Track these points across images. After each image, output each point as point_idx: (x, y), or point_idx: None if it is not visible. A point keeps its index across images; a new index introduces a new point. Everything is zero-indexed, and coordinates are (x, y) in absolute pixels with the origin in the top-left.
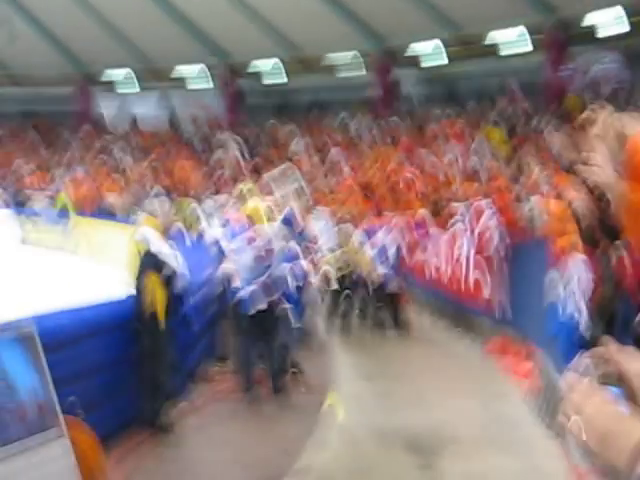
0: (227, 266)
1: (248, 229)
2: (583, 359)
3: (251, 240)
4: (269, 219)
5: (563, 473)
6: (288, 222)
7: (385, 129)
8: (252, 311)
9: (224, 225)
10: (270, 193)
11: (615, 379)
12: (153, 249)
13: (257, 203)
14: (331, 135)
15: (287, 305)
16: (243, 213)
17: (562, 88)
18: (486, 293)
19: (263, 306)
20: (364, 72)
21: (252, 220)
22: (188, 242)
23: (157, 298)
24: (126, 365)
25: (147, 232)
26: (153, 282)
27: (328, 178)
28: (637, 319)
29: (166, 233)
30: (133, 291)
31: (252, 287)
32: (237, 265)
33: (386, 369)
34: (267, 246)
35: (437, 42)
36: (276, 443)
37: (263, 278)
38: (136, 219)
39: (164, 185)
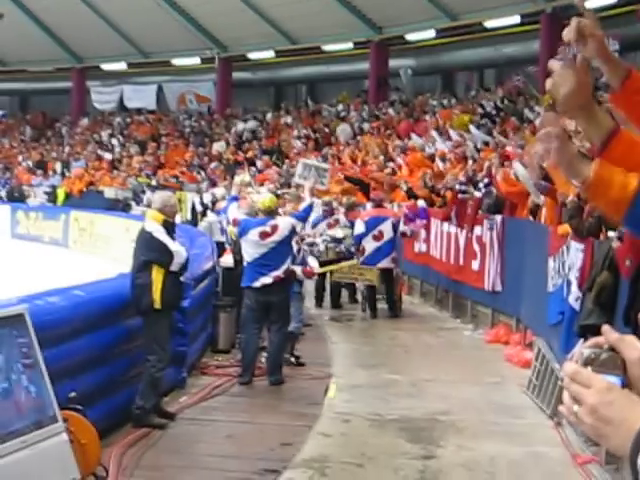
0: (229, 258)
1: (266, 222)
2: (583, 348)
3: (267, 235)
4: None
5: (563, 461)
6: (302, 217)
7: (381, 119)
8: (257, 284)
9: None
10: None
11: (615, 368)
12: (160, 242)
13: (270, 196)
14: (327, 126)
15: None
16: (255, 205)
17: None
18: (486, 283)
19: (269, 280)
20: (360, 62)
21: (268, 214)
22: (187, 234)
23: (157, 292)
24: (126, 358)
25: (152, 226)
26: (160, 275)
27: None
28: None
29: (169, 226)
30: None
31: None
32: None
33: (386, 359)
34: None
35: (433, 32)
36: (277, 435)
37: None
38: (139, 212)
39: (162, 178)
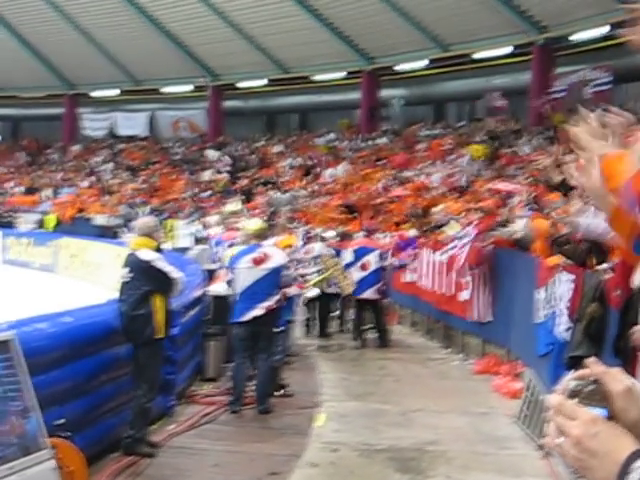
0: (217, 287)
1: (255, 249)
2: (568, 380)
3: (259, 261)
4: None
5: None
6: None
7: (372, 148)
8: (247, 317)
9: (218, 244)
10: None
11: (600, 400)
12: (160, 270)
13: (261, 223)
14: (319, 155)
15: (281, 325)
16: (246, 233)
17: (549, 107)
18: (476, 313)
19: (260, 312)
20: (351, 91)
21: (256, 238)
22: (178, 262)
23: (160, 321)
24: (115, 385)
25: (149, 254)
26: (162, 304)
27: (316, 198)
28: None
29: (160, 252)
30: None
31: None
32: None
33: (375, 388)
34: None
35: (424, 62)
36: (265, 464)
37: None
38: (126, 241)
39: (153, 205)
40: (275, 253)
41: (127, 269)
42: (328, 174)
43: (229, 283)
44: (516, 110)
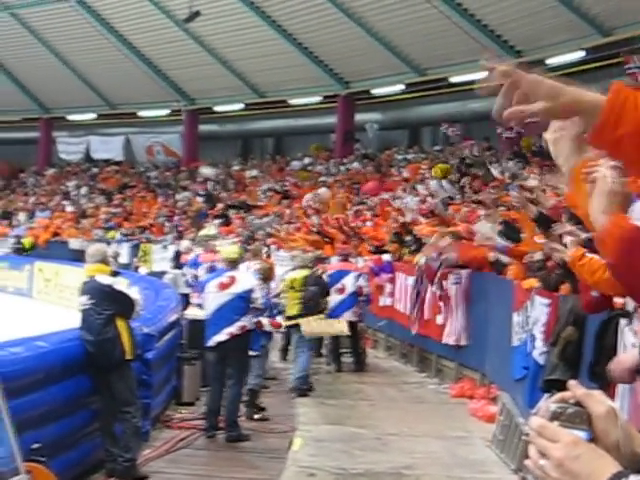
0: (193, 311)
1: (223, 273)
2: (549, 402)
3: (227, 285)
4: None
5: None
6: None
7: (347, 173)
8: (211, 343)
9: (193, 266)
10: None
11: (581, 422)
12: (121, 293)
13: (235, 247)
14: (294, 179)
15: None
16: (219, 256)
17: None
18: (451, 337)
19: (223, 338)
20: (327, 116)
21: (229, 264)
22: (153, 285)
23: (127, 342)
24: (90, 409)
25: (107, 279)
26: (125, 325)
27: (289, 222)
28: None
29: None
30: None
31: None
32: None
33: (351, 412)
34: (244, 294)
35: (400, 86)
36: None
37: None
38: (86, 268)
39: (128, 229)
40: (242, 278)
41: (86, 296)
42: (307, 198)
43: (199, 307)
44: (491, 135)
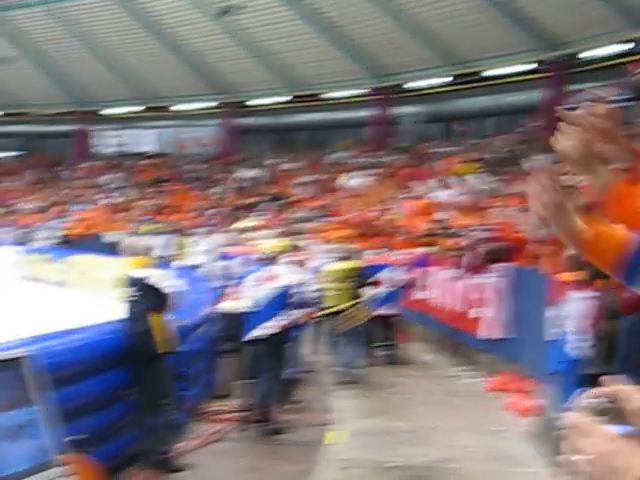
0: (228, 304)
1: (263, 267)
2: (584, 397)
3: (267, 280)
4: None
5: None
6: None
7: (384, 165)
8: (249, 337)
9: (229, 260)
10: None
11: (616, 417)
12: (155, 287)
13: (276, 242)
14: (331, 172)
15: (292, 339)
16: (254, 249)
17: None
18: (488, 329)
19: (261, 332)
20: (363, 109)
21: (269, 258)
22: (188, 278)
23: (161, 335)
24: (129, 401)
25: (141, 272)
26: (159, 319)
27: (327, 215)
28: None
29: (158, 268)
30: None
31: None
32: (247, 299)
33: (386, 406)
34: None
35: (436, 79)
36: None
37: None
38: (123, 261)
39: (165, 222)
40: (283, 273)
41: (124, 289)
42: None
43: (240, 301)
44: (527, 128)
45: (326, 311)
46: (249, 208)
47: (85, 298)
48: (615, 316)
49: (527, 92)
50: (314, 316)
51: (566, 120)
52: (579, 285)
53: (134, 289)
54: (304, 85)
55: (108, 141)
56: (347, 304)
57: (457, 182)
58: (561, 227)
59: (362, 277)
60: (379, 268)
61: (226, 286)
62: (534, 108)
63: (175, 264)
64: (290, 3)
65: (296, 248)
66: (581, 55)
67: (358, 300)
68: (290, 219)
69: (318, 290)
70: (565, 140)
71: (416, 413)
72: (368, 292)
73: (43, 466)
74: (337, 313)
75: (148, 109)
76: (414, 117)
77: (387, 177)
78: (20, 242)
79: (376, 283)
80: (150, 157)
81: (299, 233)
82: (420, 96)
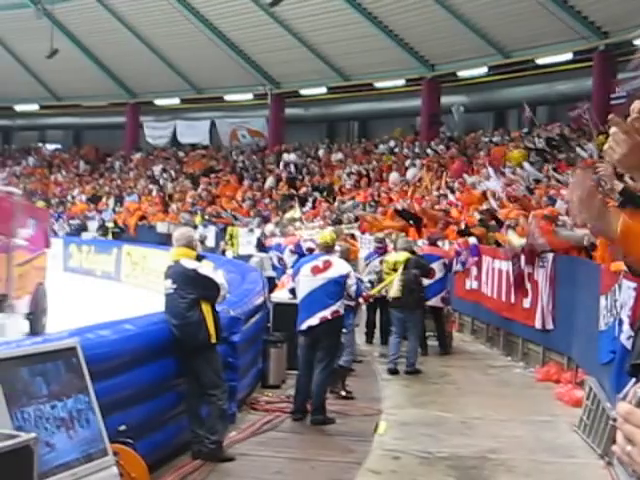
0: (279, 294)
1: (318, 257)
2: (636, 388)
3: (322, 269)
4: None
5: None
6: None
7: (433, 156)
8: (303, 327)
9: (278, 250)
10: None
11: None
12: (206, 277)
13: (330, 233)
14: (379, 163)
15: (345, 328)
16: (303, 239)
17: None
18: (538, 320)
19: (315, 322)
20: (412, 99)
21: (325, 248)
22: (239, 268)
23: (212, 326)
24: (175, 392)
25: (192, 263)
26: (210, 309)
27: (377, 206)
28: None
29: (201, 260)
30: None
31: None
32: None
33: (436, 396)
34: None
35: (485, 68)
36: (326, 471)
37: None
38: (171, 251)
39: (214, 213)
40: (337, 263)
41: (170, 280)
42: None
43: (292, 291)
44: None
45: (380, 300)
46: (299, 198)
47: (135, 290)
48: None
49: (578, 80)
50: (367, 305)
51: (616, 127)
52: (630, 275)
53: (185, 279)
54: (353, 75)
55: (159, 132)
56: (400, 294)
57: (509, 171)
58: (594, 219)
59: (415, 267)
60: (432, 259)
61: (277, 276)
62: (585, 96)
63: (226, 254)
64: None
65: (352, 237)
66: (634, 42)
67: (411, 290)
68: (340, 209)
69: (371, 280)
70: (617, 146)
71: (466, 403)
72: (422, 282)
73: (94, 455)
74: (390, 302)
75: (199, 100)
76: (464, 106)
77: (437, 167)
78: (72, 233)
79: (429, 273)
80: (201, 148)
81: (349, 223)
82: (469, 85)
